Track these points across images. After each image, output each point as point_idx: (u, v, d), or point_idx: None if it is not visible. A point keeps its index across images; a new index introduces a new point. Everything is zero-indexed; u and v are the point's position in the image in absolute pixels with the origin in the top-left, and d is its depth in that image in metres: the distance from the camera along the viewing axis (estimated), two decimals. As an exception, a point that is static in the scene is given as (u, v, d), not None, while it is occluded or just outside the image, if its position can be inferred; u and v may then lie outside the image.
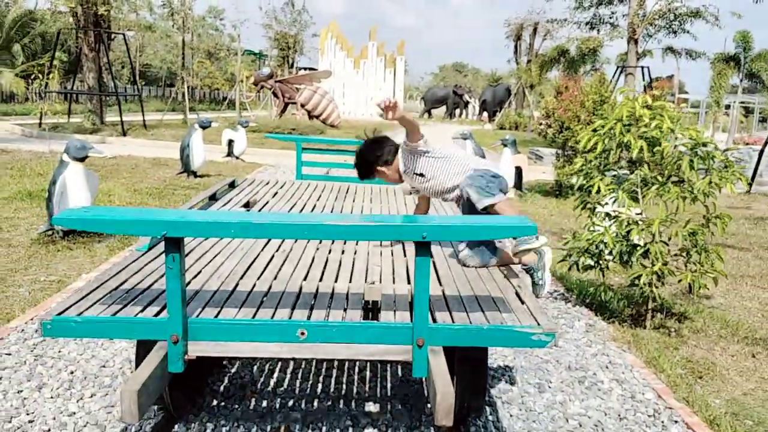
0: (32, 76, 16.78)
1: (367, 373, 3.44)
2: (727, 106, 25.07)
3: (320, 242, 3.28)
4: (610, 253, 4.35)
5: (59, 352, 3.49)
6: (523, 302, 2.49)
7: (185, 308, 2.16)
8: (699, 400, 3.30)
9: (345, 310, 2.36)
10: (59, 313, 2.16)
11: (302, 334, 2.18)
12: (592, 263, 4.50)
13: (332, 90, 19.90)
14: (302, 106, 19.91)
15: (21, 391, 3.05)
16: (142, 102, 20.63)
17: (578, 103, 9.26)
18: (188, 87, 23.69)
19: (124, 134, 16.83)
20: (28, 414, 2.86)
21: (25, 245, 5.57)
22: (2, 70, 26.17)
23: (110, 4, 17.90)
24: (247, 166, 12.32)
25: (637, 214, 4.32)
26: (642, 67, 20.65)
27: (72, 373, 3.27)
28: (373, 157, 3.24)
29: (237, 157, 13.01)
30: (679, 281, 4.28)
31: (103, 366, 3.37)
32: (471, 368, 2.66)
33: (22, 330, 3.74)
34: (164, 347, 2.16)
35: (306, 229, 2.13)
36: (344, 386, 3.28)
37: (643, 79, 19.10)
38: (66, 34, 23.41)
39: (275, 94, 20.55)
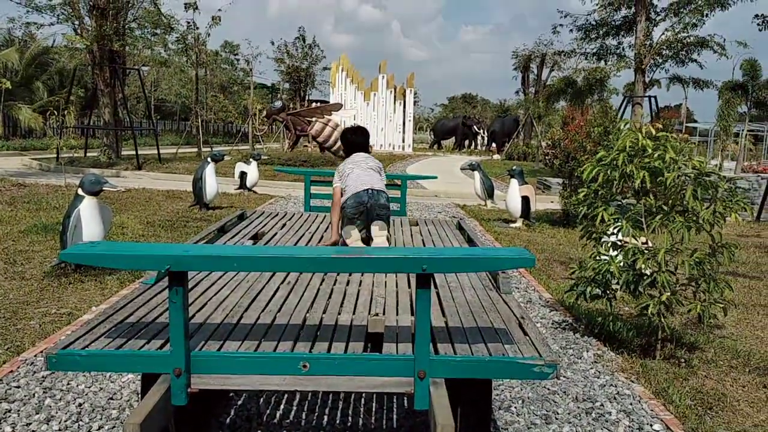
0: (49, 112, 17.16)
1: (374, 404, 3.43)
2: (736, 134, 25.03)
3: (325, 274, 3.32)
4: (618, 282, 4.35)
5: (68, 384, 3.52)
6: (526, 333, 2.49)
7: (188, 341, 2.19)
8: (708, 431, 3.26)
9: (348, 342, 2.38)
10: (64, 347, 2.20)
11: (304, 366, 2.20)
12: (600, 293, 4.49)
13: (343, 122, 20.13)
14: (314, 138, 20.14)
15: (29, 424, 3.08)
16: (157, 136, 21.00)
17: (584, 134, 9.32)
18: (202, 121, 24.09)
19: (139, 168, 17.11)
20: (35, 447, 2.88)
21: (37, 278, 5.65)
22: (21, 106, 26.81)
23: (125, 41, 18.38)
24: (258, 198, 12.45)
25: (643, 243, 4.32)
26: (649, 97, 20.75)
27: (80, 405, 3.29)
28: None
29: (249, 189, 13.17)
30: (689, 311, 4.25)
31: (111, 398, 3.39)
32: (475, 400, 2.65)
33: (32, 363, 3.79)
34: (167, 380, 2.19)
35: (308, 262, 2.17)
36: (350, 418, 3.28)
37: (651, 109, 19.17)
38: (82, 70, 24.02)
39: (287, 127, 20.82)
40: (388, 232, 4.17)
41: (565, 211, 10.12)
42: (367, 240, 4.13)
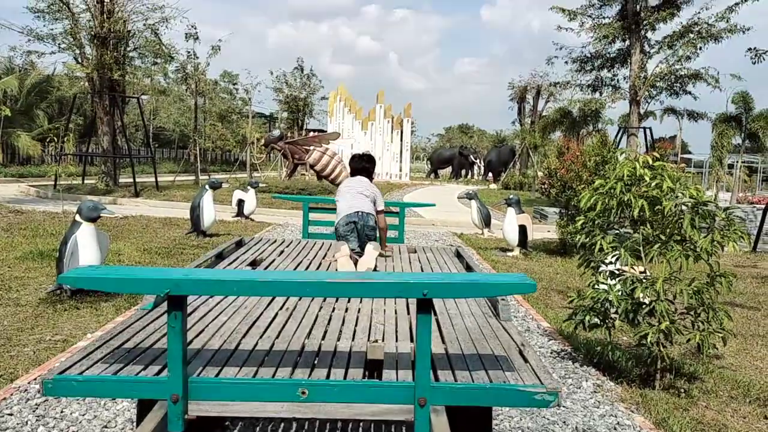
0: (48, 139, 17.25)
1: (371, 434, 3.38)
2: (731, 166, 25.25)
3: (324, 299, 3.30)
4: (616, 311, 4.33)
5: (61, 412, 3.47)
6: (526, 361, 2.48)
7: (186, 367, 2.17)
8: (711, 463, 3.22)
9: (347, 368, 2.36)
10: (60, 372, 2.18)
11: (303, 393, 2.18)
12: (599, 321, 4.47)
13: (341, 151, 20.24)
14: (311, 166, 20.22)
15: (21, 452, 3.02)
16: (155, 164, 21.07)
17: (580, 164, 9.39)
18: (200, 149, 24.22)
19: (137, 195, 17.13)
20: (26, 476, 2.82)
21: (33, 304, 5.60)
22: (20, 133, 26.93)
23: (125, 70, 18.57)
24: (256, 226, 12.44)
25: (641, 272, 4.32)
26: (644, 128, 20.97)
27: (73, 434, 3.24)
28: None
29: (247, 217, 13.17)
30: (688, 340, 4.23)
31: (105, 426, 3.34)
32: (475, 428, 2.62)
33: (25, 390, 3.73)
34: (164, 407, 2.16)
35: (307, 286, 2.16)
36: (347, 448, 3.22)
37: (646, 140, 19.36)
38: (82, 98, 24.19)
39: (285, 156, 20.91)
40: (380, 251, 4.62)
41: (562, 240, 10.14)
42: (360, 255, 4.53)
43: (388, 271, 4.37)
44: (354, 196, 4.81)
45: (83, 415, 3.45)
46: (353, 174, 5.09)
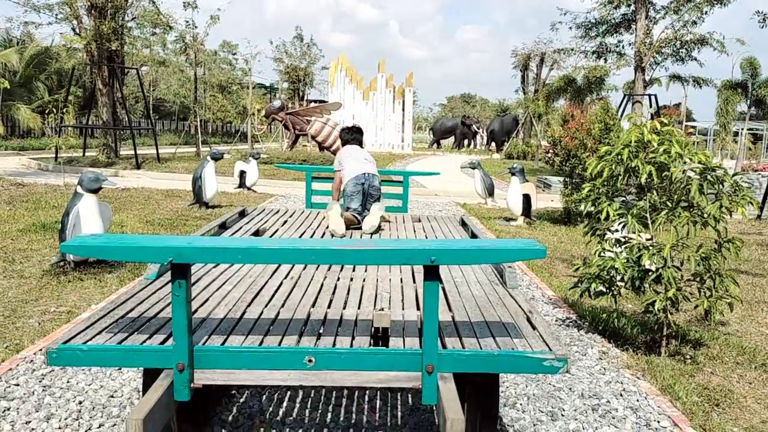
0: (48, 111, 17.10)
1: (378, 402, 3.39)
2: (736, 133, 25.02)
3: (329, 268, 3.28)
4: (622, 279, 4.31)
5: (68, 382, 3.48)
6: (534, 327, 2.45)
7: (191, 336, 2.15)
8: (716, 428, 3.22)
9: (353, 336, 2.34)
10: (65, 342, 2.16)
11: (310, 361, 2.16)
12: (604, 289, 4.45)
13: (342, 121, 20.07)
14: (313, 137, 20.08)
15: (29, 422, 3.03)
16: (156, 135, 20.94)
17: (584, 131, 9.28)
18: (201, 120, 24.03)
19: (138, 167, 17.06)
20: (35, 445, 2.84)
21: (36, 276, 5.60)
22: (20, 106, 26.75)
23: (123, 40, 18.32)
24: (258, 197, 12.41)
25: (648, 239, 4.29)
26: (649, 95, 20.72)
27: (80, 403, 3.25)
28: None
29: (249, 188, 13.13)
30: (695, 307, 4.22)
31: (112, 396, 3.35)
32: (482, 395, 2.61)
33: (31, 360, 3.74)
34: (170, 375, 2.14)
35: (313, 254, 2.13)
36: (354, 415, 3.23)
37: (651, 107, 19.14)
38: (81, 70, 23.94)
39: (286, 126, 20.76)
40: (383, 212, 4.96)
41: (566, 208, 10.09)
42: (362, 217, 4.88)
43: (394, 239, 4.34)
44: (358, 160, 5.25)
45: (89, 385, 3.46)
46: (346, 144, 5.57)
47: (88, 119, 21.23)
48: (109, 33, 17.15)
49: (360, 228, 4.72)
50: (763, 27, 15.91)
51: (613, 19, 21.04)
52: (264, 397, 3.42)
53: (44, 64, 29.99)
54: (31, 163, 18.19)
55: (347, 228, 4.63)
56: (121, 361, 2.22)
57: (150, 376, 2.44)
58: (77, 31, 17.71)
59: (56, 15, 17.96)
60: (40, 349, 3.90)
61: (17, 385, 3.42)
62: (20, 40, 31.53)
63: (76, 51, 18.89)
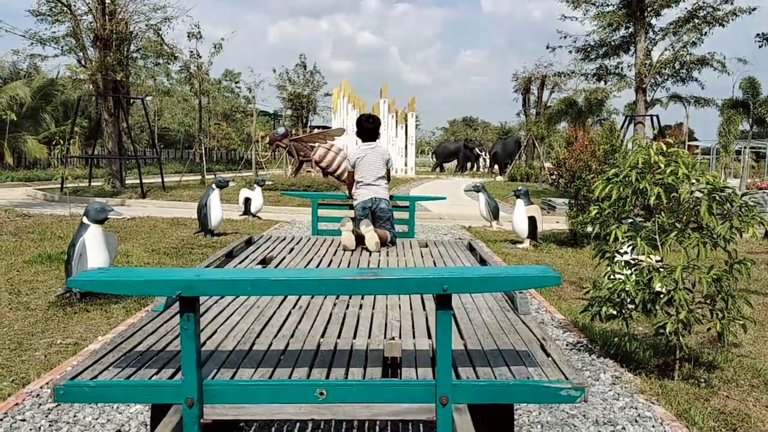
0: (54, 142, 17.24)
1: (388, 432, 3.33)
2: (738, 152, 25.02)
3: (338, 297, 3.25)
4: (633, 301, 4.26)
5: (74, 416, 3.43)
6: (548, 355, 2.41)
7: (200, 370, 2.12)
8: (736, 455, 3.15)
9: (365, 367, 2.30)
10: (72, 378, 2.13)
11: (321, 394, 2.12)
12: (615, 312, 4.40)
13: (346, 147, 20.15)
14: (317, 163, 20.10)
15: (35, 458, 2.99)
16: (161, 164, 21.06)
17: (588, 153, 9.28)
18: (205, 148, 24.18)
19: (144, 196, 17.12)
20: (41, 483, 2.78)
21: (42, 308, 5.58)
22: (27, 137, 27.00)
23: (128, 71, 18.53)
24: (263, 224, 12.41)
25: (658, 261, 4.25)
26: (651, 116, 20.78)
27: (87, 438, 3.20)
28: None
29: (254, 215, 13.14)
30: (708, 329, 4.16)
31: (119, 430, 3.30)
32: (496, 425, 2.56)
33: (38, 395, 3.70)
34: (179, 411, 2.11)
35: (323, 284, 2.10)
36: (364, 447, 3.17)
37: (653, 128, 19.18)
38: (86, 101, 24.20)
39: (290, 153, 20.80)
40: (390, 232, 5.33)
41: (572, 230, 10.04)
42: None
43: (402, 267, 4.31)
44: (367, 178, 5.52)
45: (96, 419, 3.42)
46: (365, 136, 5.63)
47: (93, 149, 21.39)
48: (114, 64, 17.36)
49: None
50: (761, 47, 16.01)
51: (613, 41, 21.21)
52: (273, 429, 3.36)
53: (50, 95, 30.35)
54: (38, 193, 18.28)
55: (357, 244, 5.00)
56: (130, 397, 2.18)
57: (158, 411, 2.40)
58: (83, 62, 17.93)
59: (62, 47, 18.21)
60: (47, 383, 3.86)
61: (23, 420, 3.38)
62: (27, 73, 31.94)
63: (81, 82, 19.11)
